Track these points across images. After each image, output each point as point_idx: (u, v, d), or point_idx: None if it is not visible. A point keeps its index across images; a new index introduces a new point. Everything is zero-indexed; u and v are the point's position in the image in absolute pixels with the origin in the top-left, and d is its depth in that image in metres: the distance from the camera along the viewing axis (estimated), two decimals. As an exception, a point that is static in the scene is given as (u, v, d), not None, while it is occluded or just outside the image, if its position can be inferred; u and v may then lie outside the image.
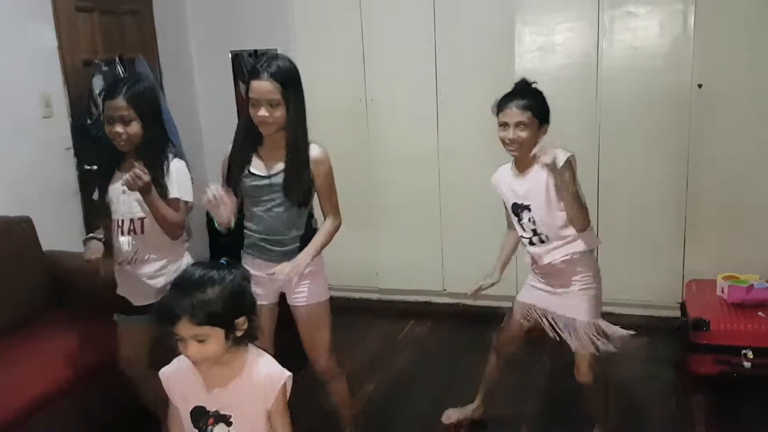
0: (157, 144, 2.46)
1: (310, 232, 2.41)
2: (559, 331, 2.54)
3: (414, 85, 4.04)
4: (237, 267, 1.70)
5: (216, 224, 2.28)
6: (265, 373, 1.69)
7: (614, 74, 3.69)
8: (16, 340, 2.84)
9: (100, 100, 3.64)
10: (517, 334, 2.70)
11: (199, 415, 1.70)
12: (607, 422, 2.72)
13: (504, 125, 2.44)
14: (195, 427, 1.71)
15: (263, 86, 2.21)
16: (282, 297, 2.50)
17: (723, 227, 3.68)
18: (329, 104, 3.99)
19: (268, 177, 2.32)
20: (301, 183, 2.31)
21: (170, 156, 2.48)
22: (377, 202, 4.25)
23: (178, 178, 2.46)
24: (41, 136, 3.52)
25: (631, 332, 2.51)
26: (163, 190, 2.41)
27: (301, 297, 2.43)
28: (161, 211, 2.37)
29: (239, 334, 1.64)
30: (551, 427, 2.93)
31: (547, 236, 2.48)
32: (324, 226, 2.41)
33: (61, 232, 3.49)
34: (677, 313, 3.61)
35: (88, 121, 3.67)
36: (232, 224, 2.27)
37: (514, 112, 2.40)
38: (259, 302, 2.39)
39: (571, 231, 2.45)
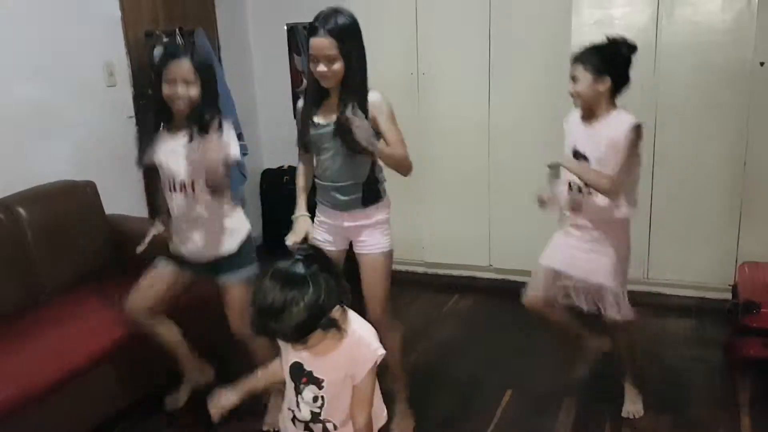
0: (211, 111, 2.51)
1: (372, 181, 2.47)
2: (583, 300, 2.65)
3: (467, 59, 4.03)
4: (313, 261, 1.64)
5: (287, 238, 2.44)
6: (363, 351, 1.72)
7: (673, 49, 3.60)
8: (75, 299, 3.01)
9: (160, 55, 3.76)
10: (544, 298, 2.71)
11: (297, 371, 1.77)
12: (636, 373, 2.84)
13: (572, 78, 2.55)
14: (292, 380, 1.80)
15: (320, 43, 2.25)
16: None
17: (780, 209, 3.58)
18: (381, 76, 3.98)
19: (326, 125, 2.38)
20: (359, 136, 2.29)
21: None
22: (426, 175, 4.27)
23: (227, 136, 2.50)
24: (105, 104, 3.67)
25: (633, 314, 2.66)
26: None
27: (367, 245, 2.51)
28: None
29: (337, 323, 1.66)
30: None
31: (589, 191, 2.53)
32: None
33: (123, 196, 3.65)
34: (729, 296, 3.54)
35: (150, 91, 3.79)
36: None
37: (573, 67, 2.53)
38: (328, 248, 2.50)
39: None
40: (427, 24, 4.06)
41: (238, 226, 2.65)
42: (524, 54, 3.89)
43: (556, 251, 2.69)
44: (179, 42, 3.88)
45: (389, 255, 2.55)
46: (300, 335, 1.62)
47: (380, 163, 2.49)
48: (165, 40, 3.84)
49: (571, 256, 2.63)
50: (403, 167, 2.46)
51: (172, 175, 2.54)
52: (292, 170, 4.73)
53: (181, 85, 2.43)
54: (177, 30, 3.91)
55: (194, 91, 2.45)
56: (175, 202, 2.57)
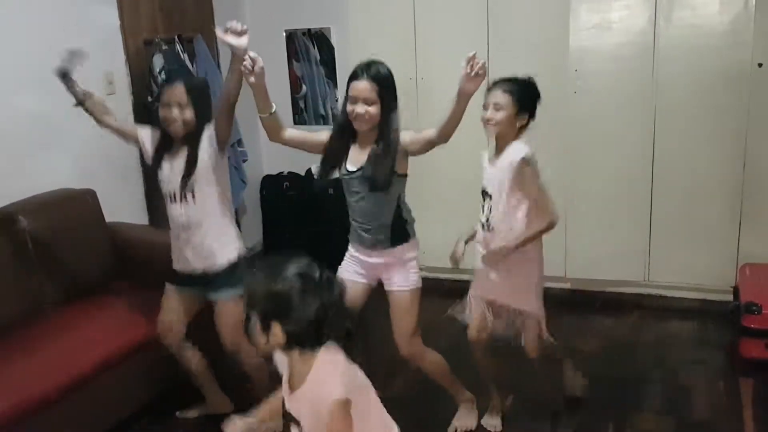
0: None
1: (400, 221, 2.54)
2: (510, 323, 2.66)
3: (465, 64, 4.03)
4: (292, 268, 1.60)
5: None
6: (319, 391, 1.60)
7: (671, 53, 3.61)
8: (78, 307, 3.02)
9: (161, 78, 3.78)
10: (483, 326, 2.71)
11: (286, 411, 1.74)
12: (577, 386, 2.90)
13: (486, 105, 2.55)
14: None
15: (361, 85, 2.38)
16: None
17: (780, 211, 3.58)
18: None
19: (356, 171, 2.47)
20: (380, 173, 2.41)
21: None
22: (424, 181, 4.26)
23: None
24: (105, 112, 3.66)
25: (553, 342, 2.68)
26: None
27: (395, 284, 2.56)
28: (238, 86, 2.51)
29: (273, 338, 1.59)
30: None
31: (494, 228, 2.55)
32: None
33: (123, 204, 3.66)
34: (730, 297, 3.54)
35: (149, 99, 3.81)
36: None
37: (497, 94, 2.53)
38: (358, 280, 2.57)
39: (519, 230, 2.50)
40: (426, 29, 4.07)
41: (231, 241, 2.68)
42: (522, 58, 3.88)
43: (482, 280, 2.67)
44: (178, 51, 3.89)
45: (417, 291, 2.60)
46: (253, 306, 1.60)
47: (407, 204, 2.60)
48: (164, 48, 3.85)
49: (494, 282, 2.61)
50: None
51: (173, 187, 2.58)
52: (292, 176, 4.74)
53: (176, 108, 2.49)
54: (176, 38, 3.92)
55: (188, 114, 2.50)
56: (176, 211, 2.60)
